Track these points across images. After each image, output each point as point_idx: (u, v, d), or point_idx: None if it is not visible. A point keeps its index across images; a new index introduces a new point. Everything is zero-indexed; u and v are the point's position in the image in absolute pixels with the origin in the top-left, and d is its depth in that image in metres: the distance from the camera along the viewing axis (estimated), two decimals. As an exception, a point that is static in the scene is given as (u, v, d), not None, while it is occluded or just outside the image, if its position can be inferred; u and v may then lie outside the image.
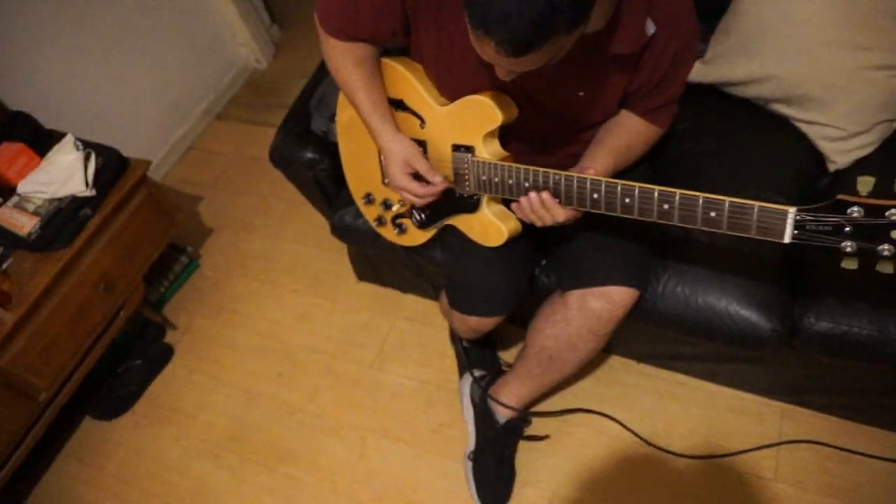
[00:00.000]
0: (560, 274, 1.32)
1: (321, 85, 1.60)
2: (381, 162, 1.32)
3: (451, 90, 1.15)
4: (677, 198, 0.93)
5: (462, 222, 1.26)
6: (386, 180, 1.32)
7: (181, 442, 1.81)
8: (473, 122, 1.12)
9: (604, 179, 0.99)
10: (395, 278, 1.88)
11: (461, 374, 1.65)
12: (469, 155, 1.15)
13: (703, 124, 1.46)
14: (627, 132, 1.15)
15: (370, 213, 1.45)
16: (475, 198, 1.20)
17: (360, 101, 1.19)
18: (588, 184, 1.00)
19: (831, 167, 1.35)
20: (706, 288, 1.23)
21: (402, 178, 1.19)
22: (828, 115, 1.30)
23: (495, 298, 1.31)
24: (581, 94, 1.08)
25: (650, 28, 0.98)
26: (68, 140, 1.71)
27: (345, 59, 1.17)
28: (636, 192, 0.96)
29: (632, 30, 0.96)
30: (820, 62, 1.26)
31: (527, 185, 1.08)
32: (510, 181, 1.10)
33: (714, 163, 1.39)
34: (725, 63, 1.39)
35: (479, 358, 1.62)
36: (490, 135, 1.13)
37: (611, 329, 1.24)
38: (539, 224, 1.09)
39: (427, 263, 1.50)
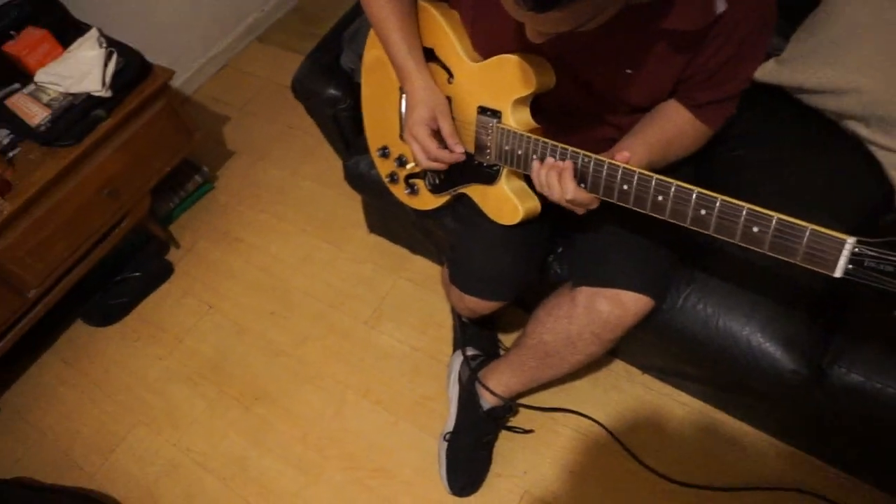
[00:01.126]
0: (573, 266, 1.21)
1: (360, 17, 1.48)
2: (401, 114, 1.21)
3: (486, 45, 1.03)
4: (717, 204, 0.80)
5: (477, 193, 1.15)
6: (404, 135, 1.22)
7: (163, 362, 1.77)
8: (505, 83, 1.00)
9: (637, 170, 0.86)
10: (406, 236, 1.79)
11: (454, 349, 1.57)
12: (494, 120, 1.03)
13: (761, 131, 1.31)
14: (672, 125, 1.01)
15: (384, 168, 1.35)
16: (495, 168, 1.09)
17: (395, 41, 1.07)
18: (620, 172, 0.88)
19: (898, 202, 1.20)
20: (730, 310, 1.11)
21: (421, 129, 1.08)
22: (908, 144, 1.14)
23: (499, 282, 1.21)
24: (628, 71, 0.95)
25: (720, 5, 0.84)
26: (92, 35, 1.64)
27: None
28: (672, 190, 0.84)
29: (696, 3, 0.82)
30: (913, 80, 1.10)
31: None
32: (535, 156, 0.98)
33: (766, 176, 1.24)
34: (803, 65, 1.23)
35: (476, 336, 1.53)
36: (521, 101, 1.02)
37: (616, 336, 1.13)
38: (547, 194, 0.96)
39: (436, 228, 1.40)
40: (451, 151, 1.08)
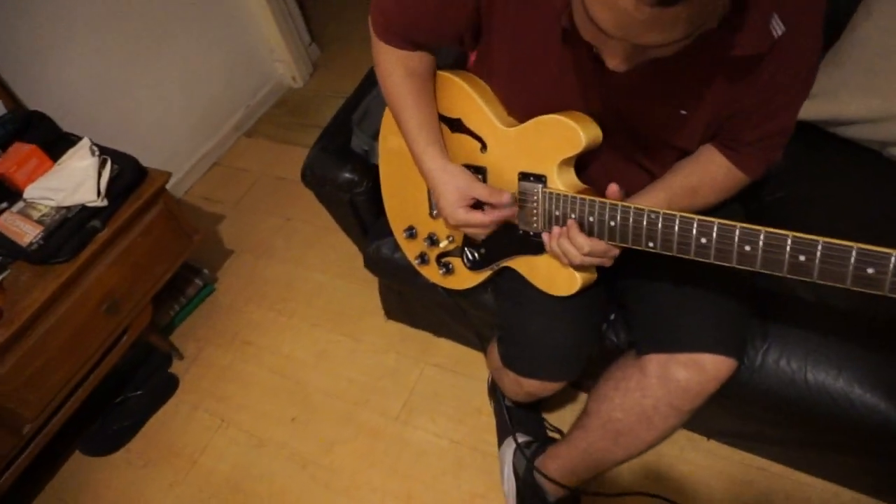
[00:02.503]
0: (636, 332, 1.11)
1: (366, 98, 1.43)
2: (429, 191, 1.14)
3: (523, 107, 0.97)
4: (762, 237, 0.75)
5: (524, 265, 1.07)
6: (434, 212, 1.14)
7: (176, 489, 1.60)
8: (548, 145, 0.94)
9: (659, 210, 0.82)
10: (430, 320, 1.68)
11: (501, 437, 1.43)
12: (540, 185, 0.96)
13: (800, 169, 1.26)
14: (701, 171, 0.95)
15: (411, 250, 1.26)
16: (542, 239, 1.00)
17: (407, 118, 1.02)
18: (651, 218, 0.83)
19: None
20: (818, 363, 1.01)
21: (459, 211, 1.00)
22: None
23: (562, 360, 1.10)
24: (683, 112, 0.89)
25: (777, 28, 0.78)
26: (84, 144, 1.56)
27: (395, 67, 1.01)
28: (714, 229, 0.79)
29: (756, 26, 0.76)
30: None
31: (612, 224, 0.88)
32: (591, 218, 0.90)
33: (813, 213, 1.18)
34: (835, 98, 1.20)
35: (523, 420, 1.40)
36: (566, 162, 0.95)
37: (698, 405, 1.02)
38: (567, 262, 0.94)
39: (473, 308, 1.30)
40: (502, 206, 0.99)
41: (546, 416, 1.49)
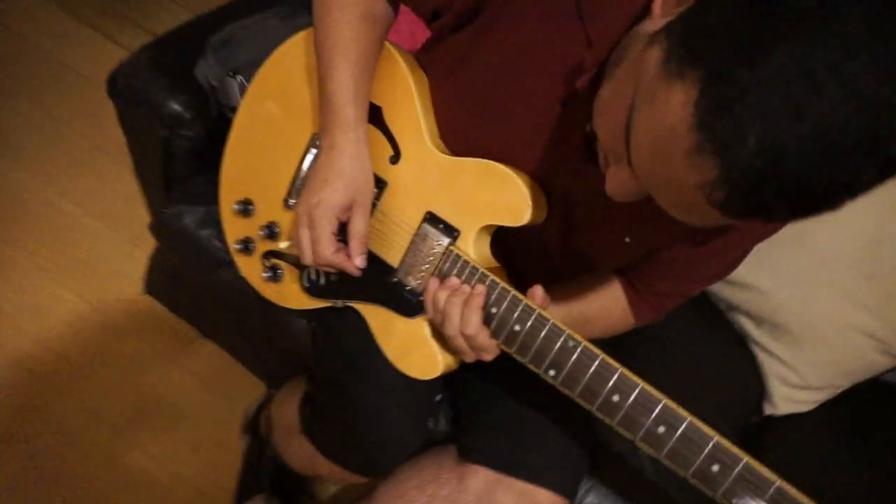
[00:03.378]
0: (466, 433, 0.92)
1: (233, 24, 1.09)
2: (299, 171, 0.85)
3: (467, 137, 0.74)
4: (636, 391, 0.64)
5: (378, 319, 0.82)
6: (292, 201, 0.85)
7: None
8: (483, 200, 0.73)
9: (584, 343, 0.67)
10: (201, 316, 1.33)
11: (246, 491, 1.13)
12: (447, 240, 0.74)
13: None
14: (601, 306, 0.83)
15: (236, 230, 0.93)
16: (419, 298, 0.78)
17: (339, 73, 0.72)
18: (567, 345, 0.68)
19: (767, 410, 1.19)
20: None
21: (326, 215, 0.73)
22: (795, 357, 1.14)
23: (386, 453, 0.87)
24: (627, 240, 0.75)
25: None
26: None
27: (352, 4, 0.72)
28: (634, 392, 0.65)
29: None
30: (817, 301, 1.11)
31: (516, 329, 0.70)
32: (493, 309, 0.71)
33: (651, 352, 1.14)
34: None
35: (284, 481, 1.12)
36: (489, 229, 0.75)
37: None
38: (438, 322, 0.73)
39: (279, 334, 1.01)
40: (348, 259, 0.75)
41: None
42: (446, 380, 0.98)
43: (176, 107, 0.98)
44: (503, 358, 0.75)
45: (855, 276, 1.08)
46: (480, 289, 0.70)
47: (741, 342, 1.21)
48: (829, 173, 0.40)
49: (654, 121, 0.46)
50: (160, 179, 1.06)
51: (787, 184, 0.41)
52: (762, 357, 1.18)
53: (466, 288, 0.71)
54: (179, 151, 1.01)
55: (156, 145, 1.01)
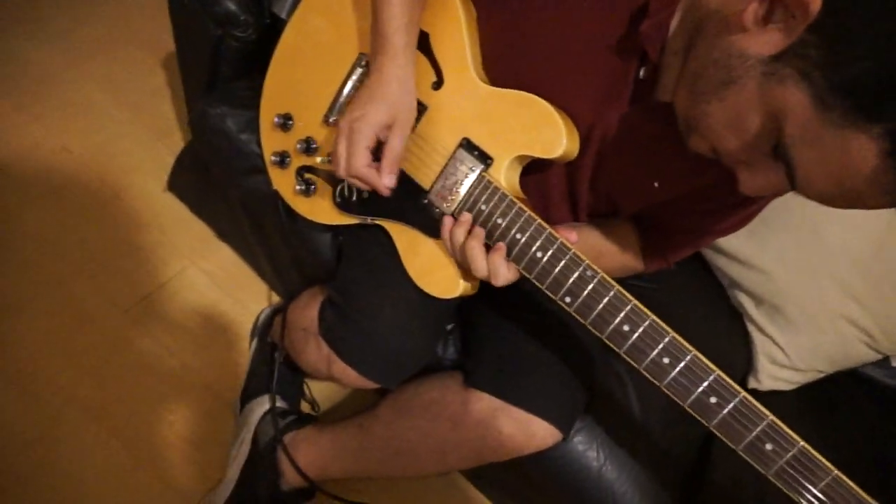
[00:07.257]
0: (473, 361, 0.97)
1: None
2: (342, 89, 0.86)
3: (512, 71, 0.76)
4: (646, 324, 0.69)
5: (404, 237, 0.86)
6: (332, 118, 0.87)
7: None
8: (518, 130, 0.76)
9: (601, 275, 0.71)
10: (222, 219, 1.35)
11: (252, 391, 1.17)
12: (481, 166, 0.77)
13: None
14: (613, 239, 0.87)
15: (273, 143, 0.95)
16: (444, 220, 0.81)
17: (395, 3, 0.74)
18: (584, 275, 0.71)
19: (751, 384, 1.25)
20: (618, 461, 1.00)
21: (365, 132, 0.75)
22: (786, 338, 1.19)
23: (399, 364, 0.92)
24: (656, 184, 0.78)
25: None
26: None
27: None
28: (643, 324, 0.69)
29: None
30: (818, 289, 1.15)
31: (538, 255, 0.73)
32: (518, 236, 0.74)
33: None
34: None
35: (288, 382, 1.18)
36: (521, 159, 0.78)
37: (500, 460, 0.93)
38: (454, 256, 0.79)
39: (303, 248, 1.04)
40: (380, 178, 0.78)
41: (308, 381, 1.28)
42: (459, 309, 1.03)
43: (233, 7, 0.97)
44: (515, 297, 0.79)
45: (856, 273, 1.13)
46: (500, 246, 0.74)
47: (736, 317, 1.26)
48: None
49: (828, 161, 0.49)
50: (204, 77, 1.06)
51: None
52: (755, 335, 1.23)
53: (478, 229, 0.75)
54: (228, 52, 1.02)
55: (205, 43, 1.01)
